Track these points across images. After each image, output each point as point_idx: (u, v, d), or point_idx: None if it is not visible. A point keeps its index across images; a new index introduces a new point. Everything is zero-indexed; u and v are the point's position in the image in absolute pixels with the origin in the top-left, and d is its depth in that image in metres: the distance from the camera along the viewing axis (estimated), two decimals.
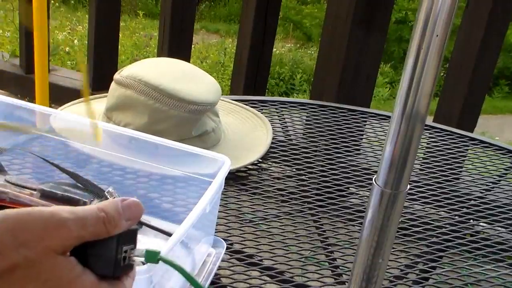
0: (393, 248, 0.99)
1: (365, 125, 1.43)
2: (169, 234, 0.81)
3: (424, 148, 1.39)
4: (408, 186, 0.73)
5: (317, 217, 1.05)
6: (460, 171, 1.28)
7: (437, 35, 0.65)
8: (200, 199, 0.76)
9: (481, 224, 1.11)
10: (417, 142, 0.70)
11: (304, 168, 1.19)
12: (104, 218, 0.48)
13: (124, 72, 1.11)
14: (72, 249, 0.47)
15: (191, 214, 0.73)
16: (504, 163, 1.35)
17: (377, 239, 0.76)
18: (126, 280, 0.52)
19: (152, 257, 0.52)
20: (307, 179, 1.16)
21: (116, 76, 1.11)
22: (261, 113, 1.34)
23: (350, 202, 1.10)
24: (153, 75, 1.08)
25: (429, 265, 0.97)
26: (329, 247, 0.98)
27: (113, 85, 1.11)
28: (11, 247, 0.44)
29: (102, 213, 0.48)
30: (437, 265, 0.98)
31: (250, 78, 2.26)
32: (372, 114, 1.47)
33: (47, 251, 0.45)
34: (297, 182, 1.15)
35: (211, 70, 4.57)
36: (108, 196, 0.84)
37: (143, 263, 0.52)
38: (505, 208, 1.16)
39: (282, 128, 1.36)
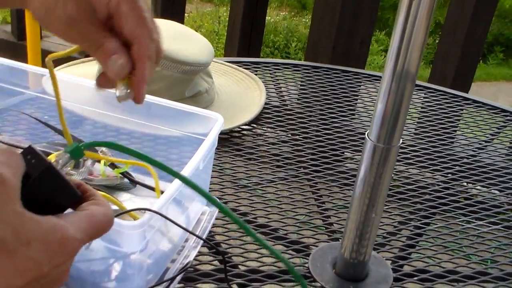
0: (387, 205, 1.00)
1: (359, 86, 1.43)
2: (162, 192, 0.81)
3: (418, 108, 1.39)
4: (401, 141, 0.73)
5: (313, 182, 1.05)
6: (454, 131, 1.29)
7: None
8: (193, 156, 0.76)
9: (471, 183, 1.12)
10: (409, 95, 0.70)
11: (299, 134, 1.19)
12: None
13: None
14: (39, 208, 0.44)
15: (184, 170, 0.73)
16: (497, 122, 1.35)
17: (370, 195, 0.77)
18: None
19: (78, 153, 0.51)
20: (302, 144, 1.16)
21: None
22: (255, 75, 1.33)
23: (346, 167, 1.10)
24: None
25: (423, 221, 0.98)
26: (326, 212, 0.99)
27: None
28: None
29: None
30: (430, 221, 0.98)
31: (244, 45, 2.25)
32: (366, 75, 1.47)
33: None
34: (292, 147, 1.15)
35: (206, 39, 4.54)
36: (101, 154, 0.84)
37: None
38: (497, 166, 1.16)
39: (276, 90, 1.36)
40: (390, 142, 0.73)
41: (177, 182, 0.71)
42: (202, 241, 0.82)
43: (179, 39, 1.12)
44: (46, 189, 0.45)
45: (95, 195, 0.50)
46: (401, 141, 0.73)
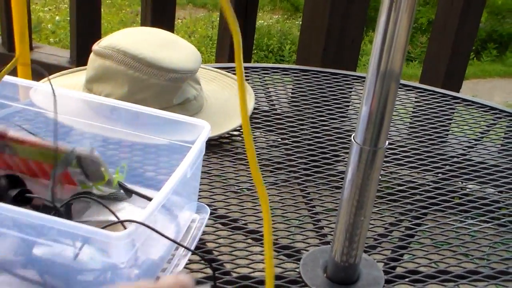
0: (378, 207, 1.00)
1: (348, 88, 1.43)
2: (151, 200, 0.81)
3: (409, 109, 1.39)
4: (387, 143, 0.73)
5: (303, 186, 1.05)
6: (444, 130, 1.29)
7: None
8: (180, 164, 0.76)
9: (462, 182, 1.12)
10: (393, 96, 0.70)
11: (289, 138, 1.19)
12: None
13: (103, 43, 1.10)
14: None
15: (172, 178, 0.73)
16: (487, 120, 1.35)
17: (358, 197, 0.77)
18: None
19: None
20: (292, 148, 1.16)
21: (95, 47, 1.10)
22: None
23: (336, 170, 1.10)
24: (132, 45, 1.08)
25: (414, 222, 0.98)
26: (316, 215, 0.99)
27: (92, 56, 1.11)
28: None
29: None
30: (422, 222, 0.98)
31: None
32: (355, 77, 1.47)
33: None
34: (282, 152, 1.15)
35: (200, 45, 4.54)
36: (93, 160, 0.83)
37: None
38: (488, 164, 1.16)
39: (265, 95, 1.36)
40: (376, 144, 0.73)
41: (164, 190, 0.71)
42: (192, 249, 0.81)
43: (165, 46, 1.12)
44: None
45: None
46: (387, 143, 0.73)
